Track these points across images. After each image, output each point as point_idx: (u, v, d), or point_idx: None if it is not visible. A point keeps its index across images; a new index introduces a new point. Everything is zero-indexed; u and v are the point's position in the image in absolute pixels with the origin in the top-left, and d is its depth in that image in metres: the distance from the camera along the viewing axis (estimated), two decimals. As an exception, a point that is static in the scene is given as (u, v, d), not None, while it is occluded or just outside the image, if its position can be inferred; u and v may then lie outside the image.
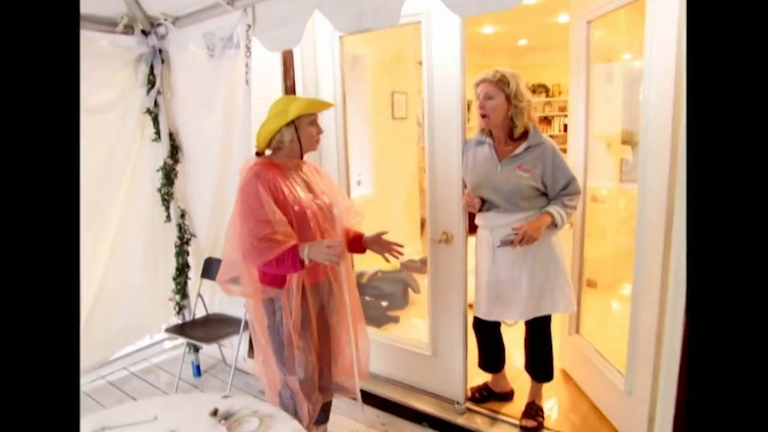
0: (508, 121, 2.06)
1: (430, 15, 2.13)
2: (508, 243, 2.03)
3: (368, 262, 4.15)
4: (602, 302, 3.67)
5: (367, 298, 3.63)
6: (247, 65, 2.34)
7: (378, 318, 3.40)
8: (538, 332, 2.25)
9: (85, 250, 2.59)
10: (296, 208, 1.72)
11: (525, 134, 2.07)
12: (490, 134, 2.14)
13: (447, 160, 2.24)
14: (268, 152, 1.83)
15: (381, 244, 1.93)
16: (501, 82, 2.02)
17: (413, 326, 3.27)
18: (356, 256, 4.18)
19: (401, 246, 1.91)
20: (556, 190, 2.07)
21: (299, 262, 1.64)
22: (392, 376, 2.66)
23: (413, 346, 2.55)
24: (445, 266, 2.33)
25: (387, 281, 3.80)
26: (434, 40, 2.15)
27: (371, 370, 2.73)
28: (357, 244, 1.98)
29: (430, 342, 2.46)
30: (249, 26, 2.29)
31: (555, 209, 2.04)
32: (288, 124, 1.76)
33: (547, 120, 7.07)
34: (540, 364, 2.31)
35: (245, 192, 1.69)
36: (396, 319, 3.46)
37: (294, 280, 1.77)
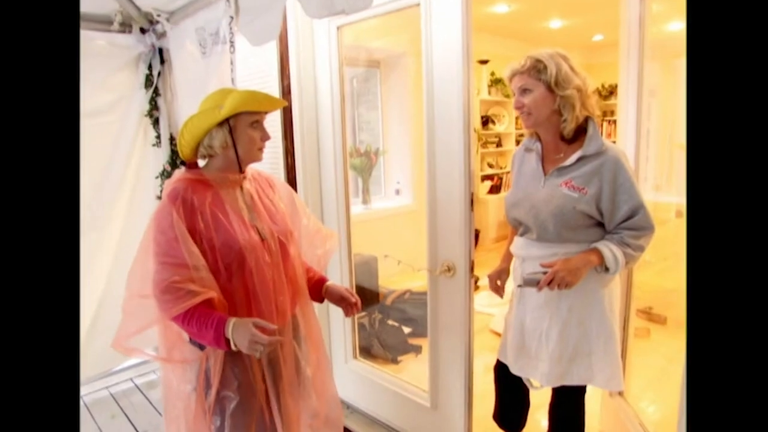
0: (557, 116, 1.54)
1: (431, -4, 1.73)
2: (531, 283, 1.52)
3: (398, 281, 3.79)
4: (672, 344, 3.01)
5: (390, 322, 3.26)
6: (231, 62, 2.09)
7: (396, 347, 3.01)
8: (566, 403, 1.72)
9: (84, 260, 2.48)
10: (224, 243, 1.33)
11: (582, 135, 1.54)
12: (539, 138, 1.64)
13: (448, 171, 1.83)
14: (201, 163, 1.47)
15: (343, 298, 1.57)
16: (534, 70, 1.50)
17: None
18: (384, 272, 3.85)
19: (359, 305, 1.57)
20: (615, 221, 1.51)
21: (223, 340, 1.25)
22: (391, 423, 2.27)
23: (413, 393, 2.14)
24: (445, 303, 1.91)
25: (414, 304, 3.40)
26: (434, 28, 1.75)
27: (370, 412, 2.38)
28: (317, 290, 1.60)
29: (430, 391, 2.05)
30: (232, 18, 2.03)
31: (607, 246, 1.49)
32: (220, 124, 1.35)
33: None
34: None
35: (156, 220, 1.32)
36: (418, 350, 3.05)
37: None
